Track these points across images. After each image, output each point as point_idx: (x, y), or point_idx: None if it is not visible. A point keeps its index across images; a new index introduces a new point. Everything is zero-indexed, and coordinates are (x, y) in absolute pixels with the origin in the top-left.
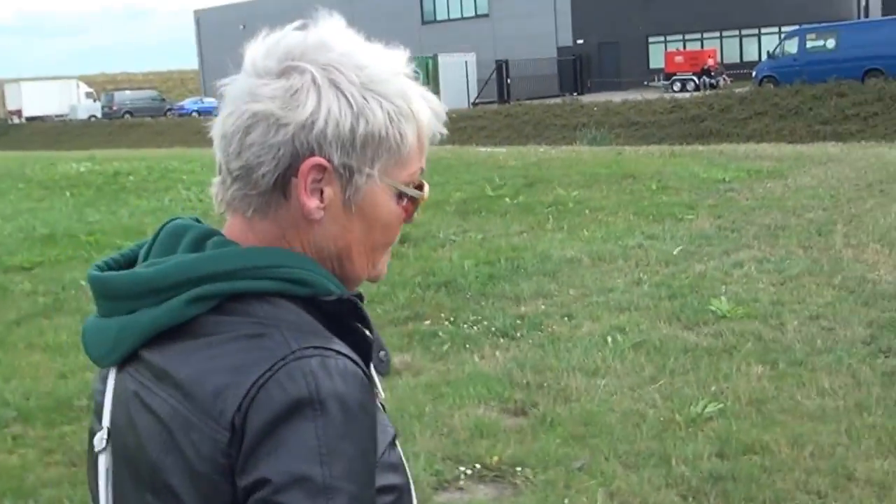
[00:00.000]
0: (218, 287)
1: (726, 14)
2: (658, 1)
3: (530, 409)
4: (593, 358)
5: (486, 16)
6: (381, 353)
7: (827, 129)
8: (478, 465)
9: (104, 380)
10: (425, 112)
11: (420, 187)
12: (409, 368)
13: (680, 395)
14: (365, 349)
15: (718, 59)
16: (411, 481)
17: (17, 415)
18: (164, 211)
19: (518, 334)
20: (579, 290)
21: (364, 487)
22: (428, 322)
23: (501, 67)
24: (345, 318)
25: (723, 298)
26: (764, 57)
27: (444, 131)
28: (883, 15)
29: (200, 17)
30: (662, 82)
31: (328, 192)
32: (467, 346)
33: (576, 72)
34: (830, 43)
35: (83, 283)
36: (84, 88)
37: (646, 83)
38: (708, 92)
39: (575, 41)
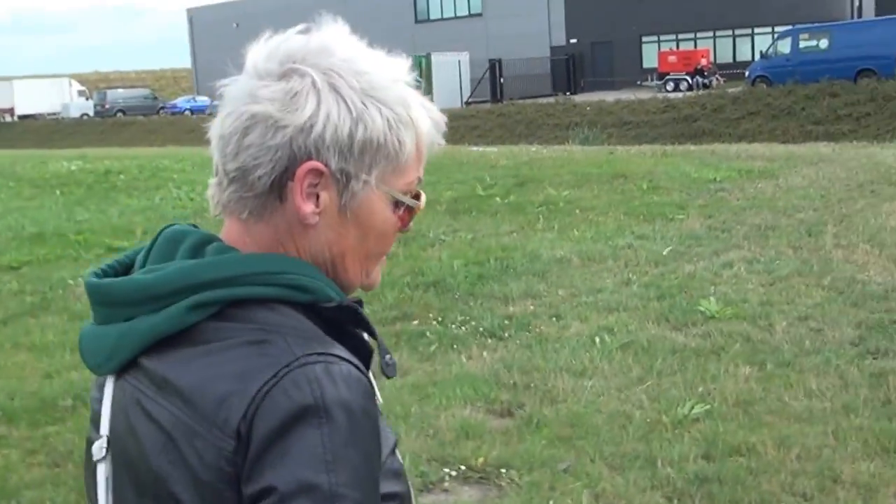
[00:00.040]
0: (219, 293)
1: (720, 14)
2: (651, 1)
3: (517, 410)
4: (581, 359)
5: (479, 15)
6: (387, 356)
7: (819, 129)
8: (463, 467)
9: (101, 387)
10: (425, 121)
11: (417, 196)
12: (397, 369)
13: (667, 396)
14: (364, 354)
15: (712, 58)
16: (412, 489)
17: (0, 415)
18: (154, 210)
19: (506, 335)
20: (568, 291)
21: (369, 494)
22: (416, 322)
23: (494, 67)
24: (344, 324)
25: (712, 299)
26: (757, 57)
27: (443, 142)
28: (876, 15)
29: (193, 16)
30: (656, 82)
31: (324, 197)
32: (455, 346)
33: (569, 71)
34: (823, 43)
35: (71, 282)
36: (76, 87)
37: (639, 83)
38: (701, 92)
39: (568, 41)
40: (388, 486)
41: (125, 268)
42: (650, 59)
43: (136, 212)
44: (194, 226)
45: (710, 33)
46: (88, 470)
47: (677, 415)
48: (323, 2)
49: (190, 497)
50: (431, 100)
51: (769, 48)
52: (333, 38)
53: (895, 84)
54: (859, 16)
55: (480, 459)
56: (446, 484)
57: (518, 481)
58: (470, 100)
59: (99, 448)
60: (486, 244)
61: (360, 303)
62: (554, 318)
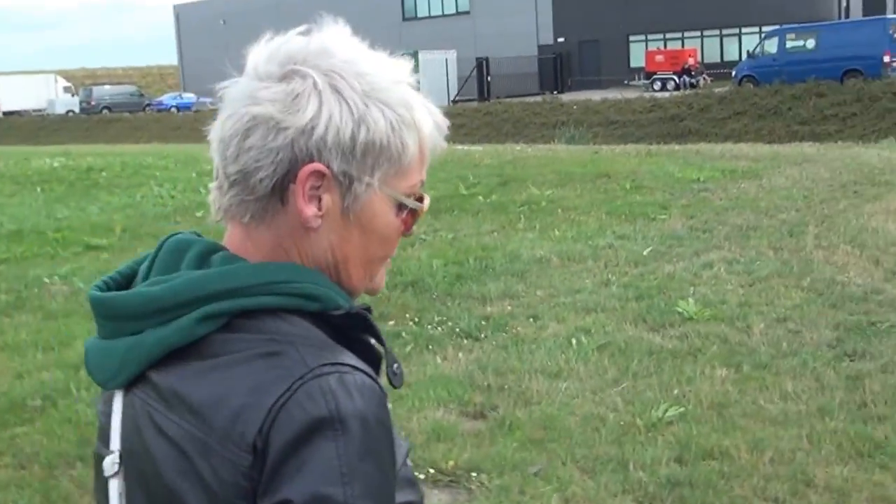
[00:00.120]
0: (227, 304)
1: (707, 14)
2: (639, 0)
3: (490, 413)
4: (556, 360)
5: (466, 13)
6: (395, 365)
7: (805, 129)
8: (432, 470)
9: (109, 401)
10: (428, 123)
11: (420, 199)
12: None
13: (642, 398)
14: (373, 360)
15: (699, 58)
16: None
17: None
18: (134, 208)
19: (482, 335)
20: (547, 291)
21: None
22: (392, 322)
23: (482, 65)
24: (352, 332)
25: (690, 300)
26: (744, 57)
27: (444, 145)
28: (864, 16)
29: (180, 12)
30: (643, 81)
31: (326, 199)
32: (430, 347)
33: (556, 70)
34: (810, 43)
35: (47, 280)
36: (62, 83)
37: (626, 82)
38: (687, 91)
39: (556, 39)
40: (402, 496)
41: (127, 279)
42: (637, 58)
43: (116, 209)
44: (198, 234)
45: (698, 33)
46: (99, 484)
47: (651, 417)
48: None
49: None
50: None
51: (756, 48)
52: (334, 40)
53: (881, 84)
54: (847, 16)
55: (451, 462)
56: None
57: (488, 485)
58: (457, 98)
59: (111, 463)
60: (466, 244)
61: (368, 309)
62: (531, 319)
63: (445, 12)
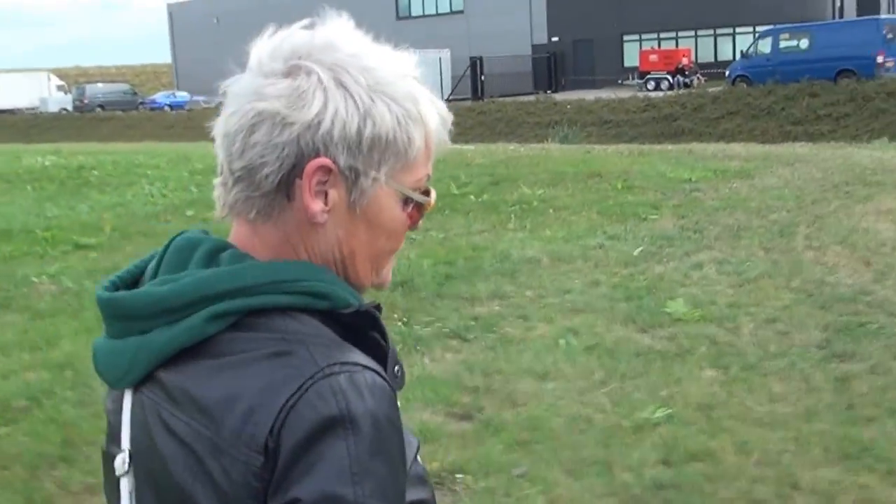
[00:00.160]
0: (236, 303)
1: (701, 13)
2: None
3: (476, 414)
4: (544, 361)
5: (460, 12)
6: (396, 367)
7: (799, 129)
8: None
9: (117, 400)
10: (434, 117)
11: (427, 193)
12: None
13: (629, 399)
14: (381, 358)
15: (693, 58)
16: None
17: None
18: (125, 206)
19: (471, 336)
20: (536, 292)
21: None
22: None
23: (476, 64)
24: (361, 330)
25: (679, 300)
26: (738, 56)
27: (448, 140)
28: (858, 16)
29: (174, 11)
30: (637, 81)
31: (333, 194)
32: (418, 347)
33: (550, 69)
34: (804, 43)
35: (35, 279)
36: (55, 81)
37: (620, 81)
38: (681, 91)
39: (550, 38)
40: (413, 493)
41: (135, 278)
42: (631, 57)
43: (106, 208)
44: (205, 232)
45: (692, 32)
46: (110, 484)
47: (638, 419)
48: None
49: None
50: None
51: (750, 48)
52: (339, 34)
53: (875, 85)
54: (841, 16)
55: (436, 464)
56: None
57: (473, 486)
58: (451, 97)
59: (121, 462)
60: (456, 244)
61: (378, 307)
62: (520, 320)
63: (440, 11)
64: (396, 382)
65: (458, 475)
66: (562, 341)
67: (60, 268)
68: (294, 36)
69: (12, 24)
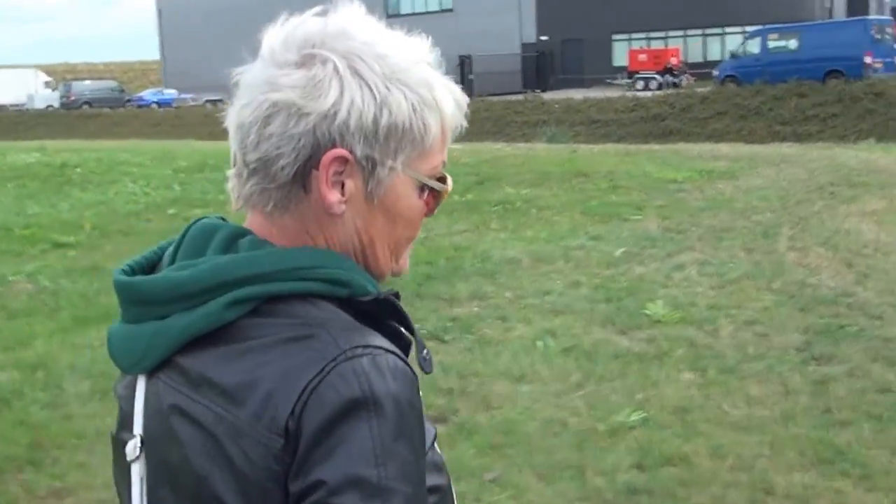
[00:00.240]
0: (255, 289)
1: (690, 13)
2: None
3: (450, 417)
4: (521, 363)
5: (450, 10)
6: (425, 351)
7: (787, 129)
8: None
9: (129, 386)
10: (449, 102)
11: (443, 180)
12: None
13: (605, 403)
14: (402, 345)
15: (682, 57)
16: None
17: None
18: (106, 205)
19: (448, 337)
20: (516, 293)
21: (418, 487)
22: None
23: (464, 63)
24: (381, 317)
25: (659, 302)
26: (727, 56)
27: (465, 123)
28: (847, 17)
29: (163, 8)
30: (625, 80)
31: (350, 184)
32: None
33: (539, 68)
34: (792, 43)
35: (11, 278)
36: (42, 78)
37: (609, 81)
38: (670, 91)
39: (539, 37)
40: (430, 479)
41: (152, 264)
42: (620, 57)
43: (87, 206)
44: (223, 219)
45: (681, 32)
46: (119, 469)
47: (613, 423)
48: None
49: (233, 497)
50: None
51: (739, 48)
52: (352, 21)
53: (862, 85)
54: (830, 17)
55: None
56: None
57: None
58: None
59: (133, 448)
60: (438, 244)
61: (397, 295)
62: (499, 321)
63: (429, 9)
64: (426, 365)
65: None
66: (539, 343)
67: (38, 266)
68: (306, 24)
69: (1, 20)
